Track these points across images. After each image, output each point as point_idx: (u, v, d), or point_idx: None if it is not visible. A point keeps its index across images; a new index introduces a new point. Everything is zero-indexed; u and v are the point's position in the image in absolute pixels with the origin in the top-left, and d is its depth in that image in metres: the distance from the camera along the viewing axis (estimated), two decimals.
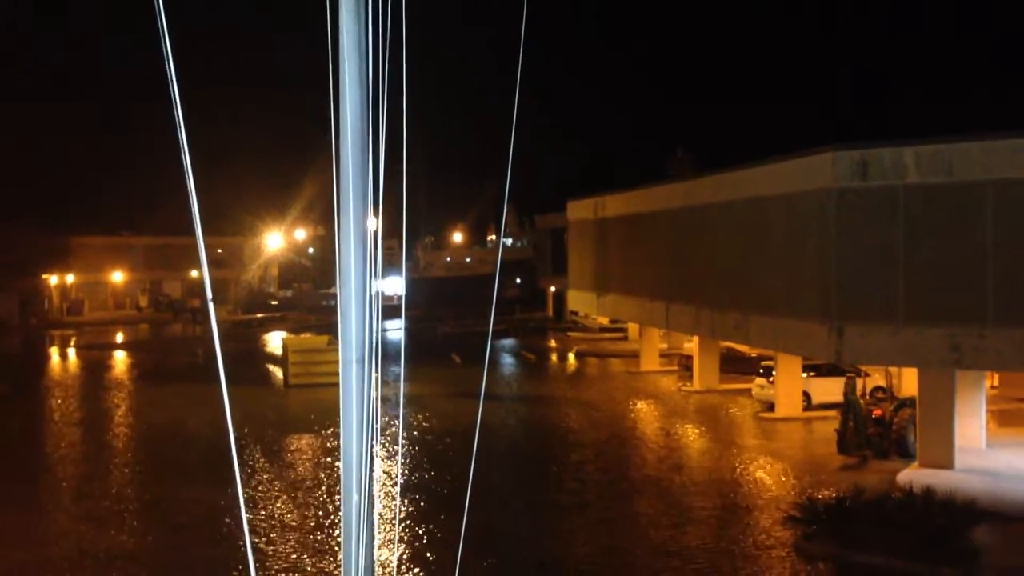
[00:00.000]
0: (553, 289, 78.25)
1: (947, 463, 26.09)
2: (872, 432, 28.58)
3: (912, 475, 25.07)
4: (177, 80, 3.26)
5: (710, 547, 20.18)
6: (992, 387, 37.12)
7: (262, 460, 27.96)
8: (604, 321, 63.42)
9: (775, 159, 29.46)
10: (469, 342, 56.42)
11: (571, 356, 57.19)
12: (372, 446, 3.44)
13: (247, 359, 52.16)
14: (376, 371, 3.64)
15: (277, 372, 47.78)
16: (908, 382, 31.76)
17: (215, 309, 3.90)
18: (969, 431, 28.16)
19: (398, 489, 24.16)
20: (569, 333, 67.53)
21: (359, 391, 3.43)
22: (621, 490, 25.21)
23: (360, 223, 3.45)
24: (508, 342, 64.04)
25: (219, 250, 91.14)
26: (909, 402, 28.77)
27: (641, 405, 38.97)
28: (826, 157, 25.68)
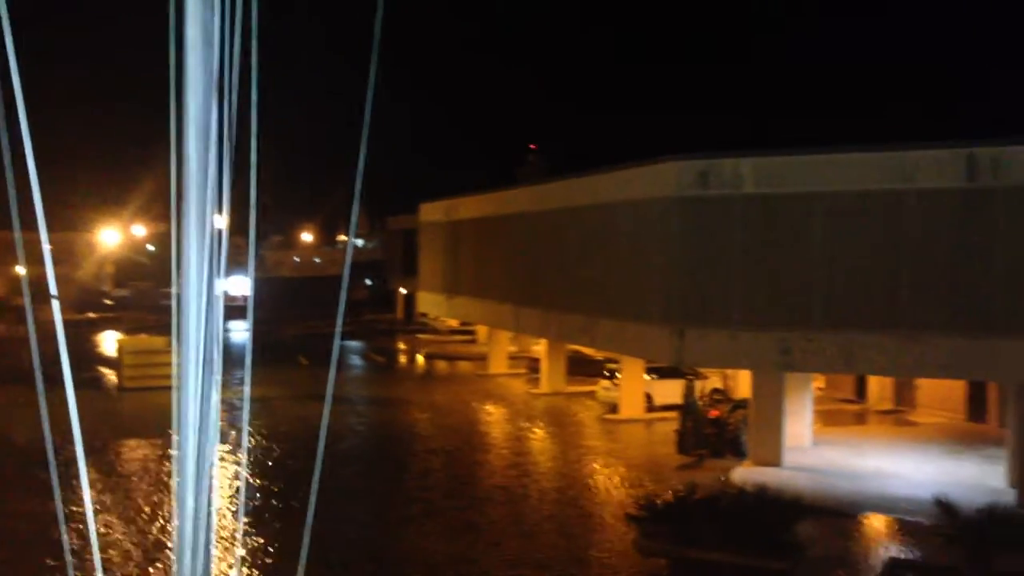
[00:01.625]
0: (403, 291, 77.81)
1: (776, 461, 27.46)
2: (709, 432, 29.73)
3: (745, 473, 26.24)
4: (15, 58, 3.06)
5: (556, 550, 20.50)
6: (818, 389, 39.32)
7: (90, 469, 26.63)
8: (454, 323, 63.54)
9: (622, 166, 30.29)
10: (317, 344, 55.37)
11: (420, 358, 57.03)
12: (211, 452, 3.33)
13: (76, 361, 49.56)
14: (218, 373, 3.52)
15: (111, 375, 45.66)
16: (743, 384, 33.24)
17: (46, 308, 3.69)
18: (797, 430, 29.72)
19: (242, 498, 23.46)
20: (418, 335, 67.31)
21: (199, 395, 3.32)
22: (469, 496, 25.11)
23: (203, 219, 3.34)
24: (357, 344, 63.28)
25: (48, 246, 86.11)
26: (743, 403, 30.12)
27: (489, 407, 39.25)
28: (670, 166, 26.58)
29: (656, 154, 27.80)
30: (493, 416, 37.56)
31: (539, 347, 45.07)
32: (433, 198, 52.04)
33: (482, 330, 59.57)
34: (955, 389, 35.04)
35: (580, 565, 19.61)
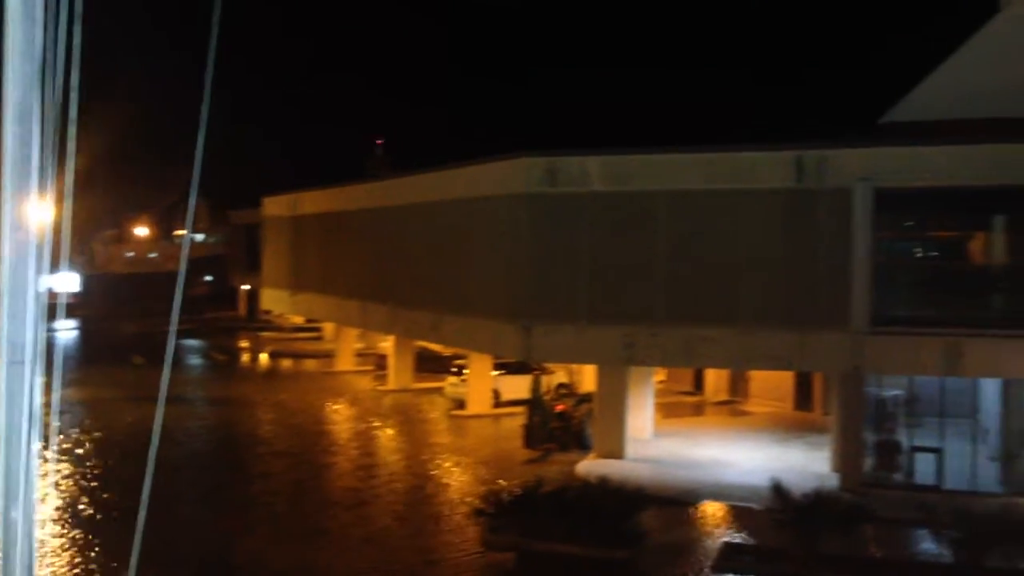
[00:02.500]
0: (246, 287, 75.72)
1: (620, 453, 28.20)
2: (556, 426, 30.25)
3: (590, 466, 26.83)
4: None
5: (406, 552, 20.33)
6: (659, 382, 40.63)
7: None
8: (299, 321, 62.32)
9: (472, 162, 30.38)
10: (154, 342, 53.17)
11: (264, 356, 55.64)
12: (33, 458, 3.11)
13: None
14: (41, 375, 3.30)
15: None
16: (588, 378, 33.97)
17: None
18: (639, 423, 30.62)
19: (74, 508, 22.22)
20: (262, 333, 65.67)
21: (20, 397, 3.10)
22: (316, 500, 24.46)
23: (23, 210, 3.11)
24: (197, 342, 61.14)
25: None
26: (588, 397, 30.79)
27: (336, 406, 38.67)
28: (518, 163, 26.84)
29: (504, 151, 28.02)
30: (340, 415, 37.01)
31: (387, 344, 44.76)
32: (277, 191, 50.80)
33: (328, 327, 58.68)
34: (784, 380, 36.92)
35: (430, 566, 19.53)
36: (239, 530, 21.79)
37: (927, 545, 20.38)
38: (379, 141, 71.02)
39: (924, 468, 24.58)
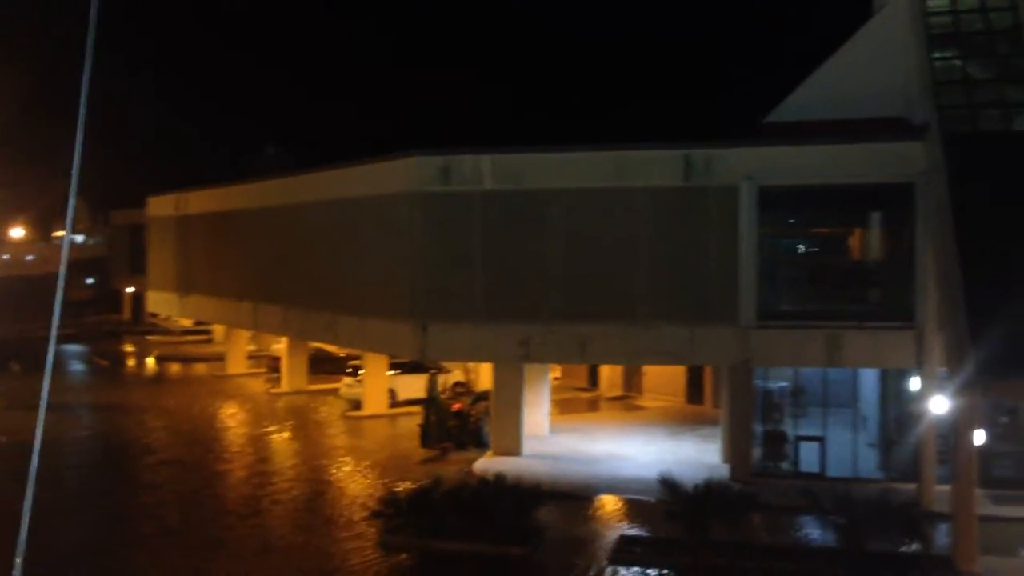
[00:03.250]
0: (131, 290, 73.28)
1: (517, 450, 28.39)
2: (452, 425, 30.23)
3: (487, 463, 26.91)
4: None
5: (304, 559, 19.94)
6: (555, 378, 41.02)
7: None
8: (188, 323, 60.64)
9: (364, 161, 30.06)
10: (32, 348, 50.95)
11: (151, 361, 53.95)
12: None
13: None
14: None
15: None
16: (485, 376, 34.05)
17: None
18: (536, 420, 30.87)
19: None
20: (148, 336, 63.71)
21: None
22: (209, 509, 23.60)
23: None
24: (79, 347, 58.87)
25: None
26: (485, 395, 30.87)
27: (228, 410, 37.77)
28: (411, 162, 26.70)
29: (397, 149, 27.85)
30: (233, 420, 36.16)
31: (280, 345, 43.96)
32: (162, 191, 49.28)
33: (219, 329, 57.30)
34: (676, 374, 37.77)
35: (329, 573, 19.24)
36: (128, 543, 20.96)
37: (812, 530, 21.15)
38: (269, 140, 69.60)
39: (809, 456, 25.48)
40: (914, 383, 24.12)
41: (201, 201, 43.98)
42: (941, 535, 19.54)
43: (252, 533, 21.45)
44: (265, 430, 33.55)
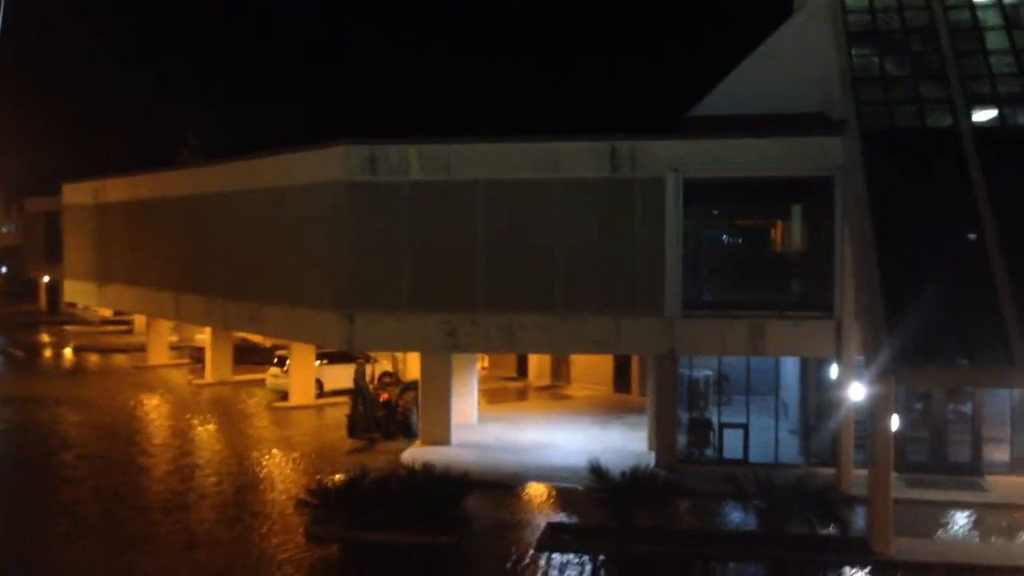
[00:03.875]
0: (47, 279, 71.19)
1: (445, 440, 28.40)
2: (380, 415, 30.11)
3: (415, 453, 26.87)
4: None
5: (231, 555, 19.64)
6: (483, 368, 41.12)
7: None
8: (107, 313, 59.17)
9: (290, 150, 29.67)
10: None
11: (68, 352, 52.52)
12: None
13: None
14: None
15: None
16: (413, 366, 33.97)
17: None
18: (464, 409, 30.91)
19: None
20: (66, 327, 62.01)
21: None
22: (131, 506, 22.83)
23: None
24: None
25: None
26: (413, 385, 30.80)
27: (149, 402, 36.99)
28: (338, 151, 26.44)
29: (324, 139, 27.56)
30: (155, 412, 35.40)
31: (203, 336, 43.19)
32: (79, 178, 47.91)
33: (140, 320, 56.05)
34: (604, 364, 38.17)
35: (256, 566, 19.00)
36: (45, 541, 20.29)
37: (735, 515, 21.61)
38: (191, 129, 68.19)
39: (732, 443, 26.01)
40: (833, 371, 24.78)
41: (121, 189, 42.90)
42: (858, 518, 20.15)
43: (177, 528, 20.98)
44: (189, 422, 32.95)
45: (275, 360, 38.31)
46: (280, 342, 37.99)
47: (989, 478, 24.22)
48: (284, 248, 29.69)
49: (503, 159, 25.59)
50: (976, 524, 21.47)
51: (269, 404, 35.96)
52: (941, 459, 24.81)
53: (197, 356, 45.01)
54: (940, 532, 20.94)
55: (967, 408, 25.15)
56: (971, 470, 24.52)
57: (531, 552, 19.30)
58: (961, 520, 21.75)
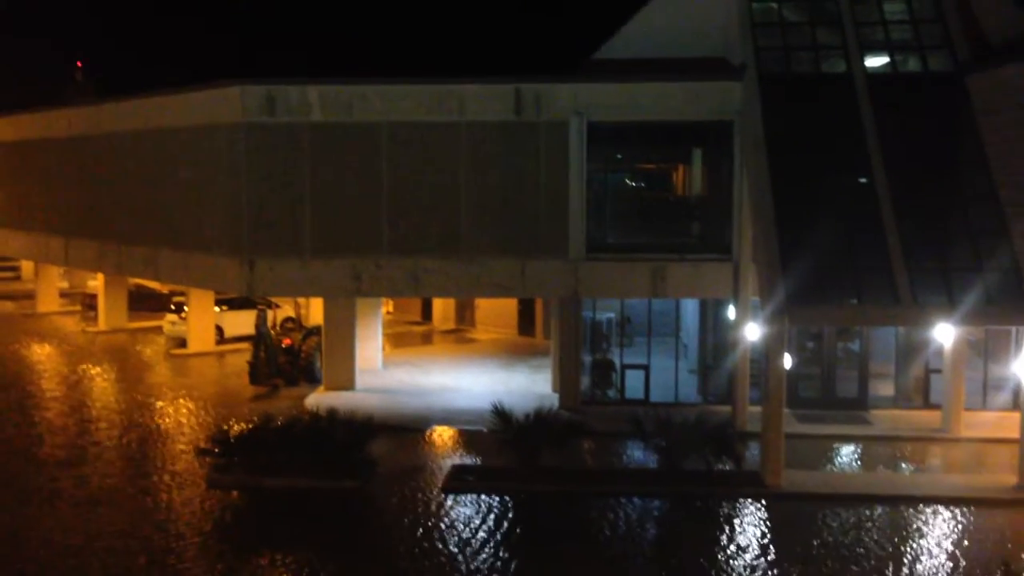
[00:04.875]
0: None
1: (350, 385, 28.27)
2: (283, 361, 29.75)
3: (319, 399, 26.70)
4: None
5: (132, 510, 19.21)
6: (388, 312, 40.96)
7: None
8: None
9: (184, 89, 28.61)
10: None
11: None
12: None
13: None
14: None
15: None
16: (315, 312, 33.59)
17: None
18: (368, 354, 30.79)
19: None
20: None
21: None
22: (23, 462, 21.93)
23: None
24: None
25: None
26: (316, 331, 30.48)
27: (41, 351, 35.75)
28: (234, 91, 25.63)
29: (219, 77, 26.67)
30: (48, 361, 34.22)
31: (96, 282, 41.83)
32: None
33: (27, 266, 53.91)
34: (508, 307, 38.40)
35: (160, 517, 18.69)
36: None
37: (637, 454, 22.17)
38: (79, 64, 65.15)
39: (634, 384, 26.59)
40: (731, 312, 25.44)
41: (2, 129, 40.85)
42: (752, 453, 20.89)
43: (77, 483, 20.28)
44: (85, 372, 31.98)
45: (172, 307, 37.40)
46: (177, 288, 37.05)
47: (874, 412, 25.38)
48: (180, 191, 28.80)
49: (407, 101, 25.20)
50: (862, 456, 22.50)
51: (167, 352, 35.16)
52: (830, 395, 25.86)
53: (89, 303, 43.63)
54: (828, 464, 21.88)
55: (855, 346, 26.20)
56: (858, 405, 25.63)
57: (436, 493, 19.47)
58: (848, 452, 22.77)
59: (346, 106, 25.16)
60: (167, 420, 25.59)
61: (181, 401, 27.67)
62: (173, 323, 36.75)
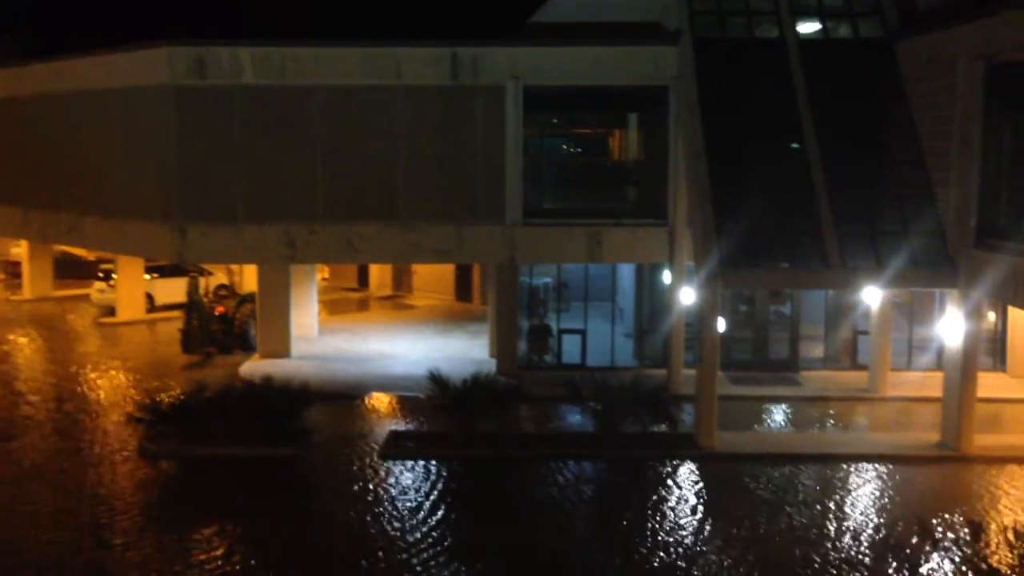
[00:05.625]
0: None
1: (285, 352, 27.99)
2: (216, 329, 29.32)
3: (253, 367, 26.39)
4: None
5: (61, 485, 18.86)
6: (323, 279, 40.58)
7: None
8: None
9: (110, 50, 27.74)
10: None
11: None
12: None
13: None
14: None
15: None
16: (250, 278, 33.10)
17: None
18: (304, 321, 30.49)
19: None
20: None
21: None
22: None
23: None
24: None
25: None
26: (250, 298, 30.06)
27: None
28: (162, 53, 24.95)
29: (147, 39, 25.92)
30: None
31: (19, 249, 40.63)
32: None
33: None
34: (445, 273, 38.30)
35: (90, 492, 18.34)
36: None
37: (574, 417, 22.37)
38: None
39: (571, 348, 26.77)
40: (666, 277, 25.70)
41: None
42: (687, 415, 21.22)
43: (6, 459, 19.75)
44: (7, 342, 31.12)
45: (100, 274, 36.55)
46: (105, 255, 36.19)
47: (805, 373, 25.94)
48: (108, 155, 28.03)
49: (341, 64, 24.79)
50: (792, 416, 23.03)
51: (95, 320, 34.39)
52: (762, 357, 26.36)
53: (12, 271, 42.41)
54: (760, 425, 22.35)
55: (787, 309, 26.70)
56: (789, 367, 26.18)
57: (374, 460, 19.43)
58: (779, 413, 23.27)
59: (279, 69, 24.67)
60: (98, 391, 25.07)
61: (112, 371, 27.12)
62: (101, 291, 35.94)
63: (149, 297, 35.20)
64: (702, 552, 15.09)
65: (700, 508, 17.04)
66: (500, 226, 24.97)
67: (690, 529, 16.02)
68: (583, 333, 26.72)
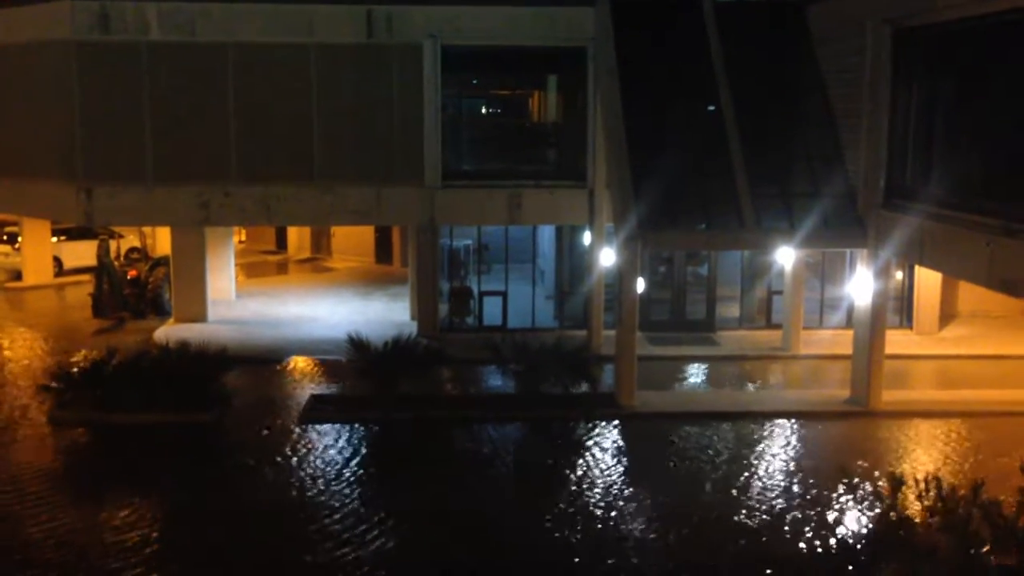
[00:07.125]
0: None
1: (201, 316, 27.43)
2: (128, 293, 28.58)
3: (168, 331, 25.82)
4: None
5: None
6: (240, 242, 39.82)
7: None
8: None
9: (11, 4, 26.47)
10: None
11: None
12: None
13: None
14: None
15: None
16: (163, 241, 32.27)
17: None
18: (220, 284, 29.90)
19: None
20: None
21: None
22: None
23: None
24: None
25: None
26: (164, 261, 29.32)
27: None
28: (64, 6, 23.93)
29: None
30: None
31: None
32: None
33: None
34: (365, 235, 37.92)
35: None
36: None
37: (495, 379, 22.45)
38: None
39: (492, 310, 26.81)
40: (586, 238, 25.85)
41: None
42: (607, 375, 21.48)
43: None
44: None
45: (4, 237, 35.23)
46: (9, 217, 34.86)
47: (722, 333, 26.47)
48: (8, 114, 26.86)
49: (253, 21, 24.11)
50: (710, 375, 23.50)
51: (0, 284, 33.20)
52: (680, 318, 26.79)
53: None
54: (679, 384, 22.76)
55: (704, 270, 27.14)
56: (706, 327, 26.67)
57: (293, 424, 19.24)
58: (697, 372, 23.73)
59: (188, 24, 23.89)
60: (4, 357, 24.24)
61: (19, 337, 26.24)
62: (5, 255, 34.70)
63: (57, 260, 34.09)
64: (624, 505, 15.33)
65: (621, 465, 17.31)
66: (419, 188, 24.75)
67: (613, 486, 16.27)
68: (504, 295, 26.76)
